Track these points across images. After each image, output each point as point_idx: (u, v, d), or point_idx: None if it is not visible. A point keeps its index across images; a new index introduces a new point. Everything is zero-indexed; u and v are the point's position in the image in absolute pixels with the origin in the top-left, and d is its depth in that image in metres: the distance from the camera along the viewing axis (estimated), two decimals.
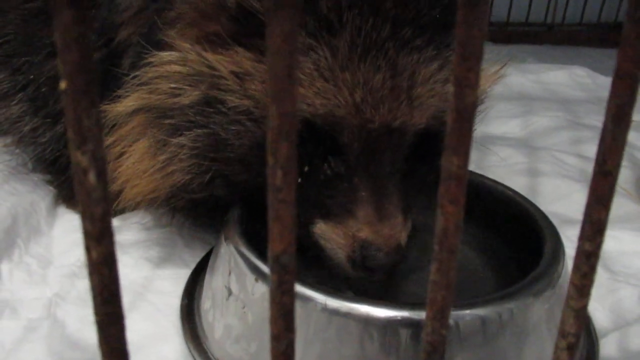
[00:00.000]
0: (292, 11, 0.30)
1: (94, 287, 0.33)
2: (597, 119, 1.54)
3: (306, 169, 0.80)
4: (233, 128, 0.81)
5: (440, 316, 0.37)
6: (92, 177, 0.30)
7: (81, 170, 0.30)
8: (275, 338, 0.36)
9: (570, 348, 0.42)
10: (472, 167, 1.23)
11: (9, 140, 1.22)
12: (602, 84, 1.82)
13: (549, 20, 2.44)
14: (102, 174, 0.31)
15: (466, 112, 0.33)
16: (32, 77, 1.02)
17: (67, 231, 1.09)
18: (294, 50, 0.30)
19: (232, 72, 0.80)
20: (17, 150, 1.22)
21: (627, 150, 1.38)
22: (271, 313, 0.35)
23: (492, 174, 1.07)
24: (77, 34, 0.27)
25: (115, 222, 1.06)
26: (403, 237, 0.82)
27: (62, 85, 0.29)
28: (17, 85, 1.04)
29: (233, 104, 0.81)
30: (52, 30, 0.91)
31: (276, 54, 0.30)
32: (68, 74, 0.28)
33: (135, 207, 1.03)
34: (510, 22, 2.40)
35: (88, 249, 0.32)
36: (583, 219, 0.39)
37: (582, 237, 0.39)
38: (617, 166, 0.37)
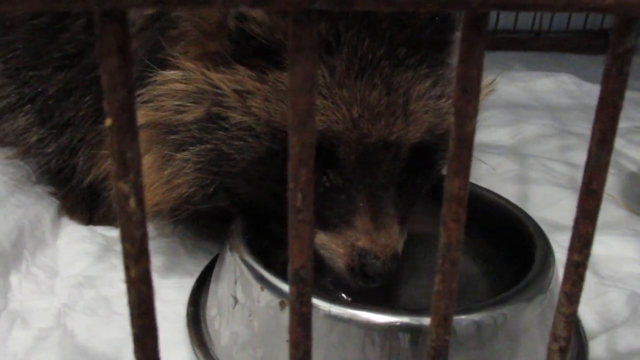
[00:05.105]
0: (311, 53, 0.33)
1: (131, 302, 0.36)
2: (583, 126, 1.58)
3: None
4: (235, 143, 0.85)
5: (443, 323, 0.41)
6: (132, 203, 0.34)
7: (123, 197, 0.34)
8: (294, 345, 0.39)
9: (562, 351, 0.45)
10: None
11: (12, 152, 1.25)
12: (588, 91, 1.87)
13: (535, 27, 2.49)
14: (141, 200, 0.34)
15: (466, 140, 0.37)
16: (39, 89, 1.05)
17: (71, 242, 1.12)
18: (313, 89, 0.34)
19: (234, 90, 0.84)
20: (21, 163, 1.25)
21: (614, 158, 1.43)
22: (290, 322, 0.39)
23: (483, 182, 1.11)
24: (123, 78, 0.31)
25: (117, 233, 1.10)
26: (399, 246, 0.86)
27: (108, 122, 0.32)
28: (24, 98, 1.07)
29: (235, 121, 0.84)
30: (60, 44, 0.94)
31: (297, 92, 0.34)
32: (114, 112, 0.32)
33: None
34: (498, 29, 2.45)
35: (127, 267, 0.35)
36: (572, 233, 0.42)
37: (571, 249, 0.42)
38: (602, 185, 0.41)
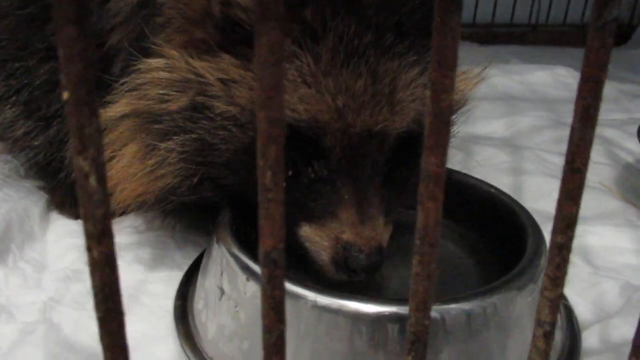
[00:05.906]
0: (277, 23, 0.32)
1: (95, 285, 0.35)
2: None
3: (290, 173, 0.82)
4: (220, 133, 0.83)
5: (422, 307, 0.39)
6: (92, 180, 0.32)
7: (83, 174, 0.32)
8: (267, 330, 0.38)
9: (547, 336, 0.44)
10: (458, 167, 1.25)
11: (0, 146, 1.24)
12: None
13: (533, 20, 2.48)
14: (102, 178, 0.33)
15: (442, 115, 0.35)
16: (26, 81, 1.03)
17: (60, 236, 1.10)
18: (280, 60, 0.32)
19: (219, 79, 0.82)
20: (9, 157, 1.23)
21: (608, 148, 1.42)
22: (262, 306, 0.38)
23: (477, 174, 1.09)
24: (79, 49, 0.29)
25: None
26: (384, 239, 0.85)
27: (65, 95, 0.31)
28: (10, 90, 1.05)
29: (219, 110, 0.82)
30: (46, 35, 0.92)
31: (264, 64, 0.32)
32: (70, 85, 0.30)
33: (125, 211, 1.05)
34: (495, 22, 2.43)
35: (89, 248, 0.34)
36: (555, 214, 0.41)
37: (555, 231, 0.41)
38: (585, 163, 0.39)
